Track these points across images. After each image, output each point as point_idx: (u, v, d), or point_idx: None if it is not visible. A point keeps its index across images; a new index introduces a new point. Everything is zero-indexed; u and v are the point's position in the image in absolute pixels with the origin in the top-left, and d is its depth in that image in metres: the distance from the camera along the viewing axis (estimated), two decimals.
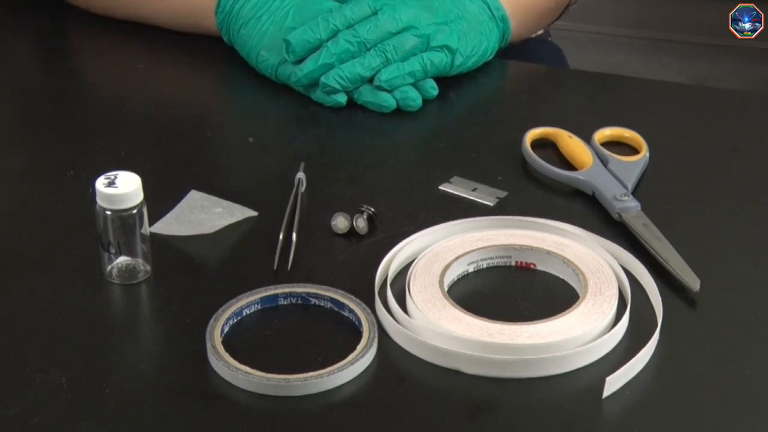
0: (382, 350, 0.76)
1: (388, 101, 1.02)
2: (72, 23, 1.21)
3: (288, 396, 0.72)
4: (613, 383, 0.72)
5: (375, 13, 1.03)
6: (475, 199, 0.91)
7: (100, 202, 0.79)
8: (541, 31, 1.37)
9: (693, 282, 0.80)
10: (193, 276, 0.83)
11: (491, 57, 1.10)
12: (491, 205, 0.90)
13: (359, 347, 0.75)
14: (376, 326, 0.76)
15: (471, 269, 0.83)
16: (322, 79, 1.02)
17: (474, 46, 1.07)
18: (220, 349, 0.74)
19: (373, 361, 0.75)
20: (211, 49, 1.13)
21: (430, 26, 1.03)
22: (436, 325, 0.76)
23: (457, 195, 0.91)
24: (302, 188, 0.90)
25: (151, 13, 1.15)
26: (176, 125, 1.03)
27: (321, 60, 1.01)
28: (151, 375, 0.75)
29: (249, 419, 0.71)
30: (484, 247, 0.83)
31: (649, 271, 0.81)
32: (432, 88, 1.04)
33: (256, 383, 0.72)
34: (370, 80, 1.02)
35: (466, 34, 1.06)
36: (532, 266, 0.84)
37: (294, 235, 0.85)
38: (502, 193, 0.91)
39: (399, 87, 1.03)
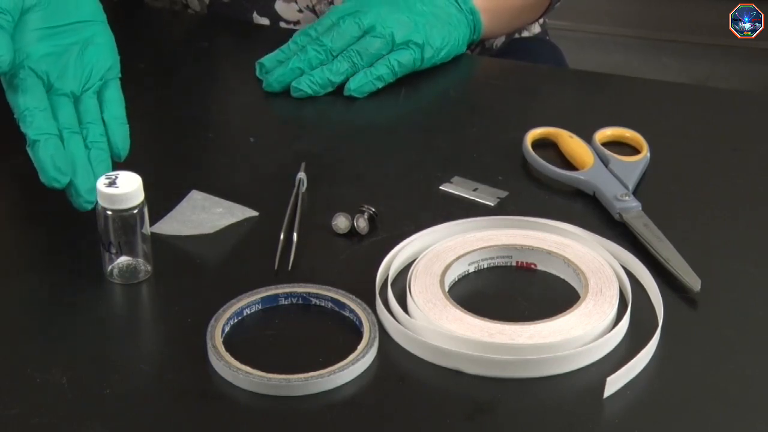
0: (383, 350, 0.76)
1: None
2: None
3: (288, 396, 0.72)
4: (614, 383, 0.72)
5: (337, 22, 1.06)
6: (476, 199, 0.91)
7: (101, 202, 0.79)
8: (538, 30, 1.37)
9: (694, 282, 0.80)
10: (193, 276, 0.83)
11: (463, 49, 1.11)
12: (492, 205, 0.90)
13: (360, 347, 0.75)
14: (376, 326, 0.76)
15: (472, 269, 0.83)
16: (293, 83, 1.05)
17: (444, 37, 1.08)
18: (221, 349, 0.74)
19: (373, 361, 0.75)
20: (212, 49, 1.12)
21: (393, 23, 1.06)
22: (436, 325, 0.76)
23: (458, 195, 0.91)
24: (303, 188, 0.90)
25: None
26: (177, 125, 1.03)
27: (291, 64, 1.05)
28: (152, 375, 0.75)
29: (249, 419, 0.71)
30: (484, 247, 0.83)
31: (650, 271, 0.81)
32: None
33: (257, 383, 0.72)
34: (341, 86, 1.06)
35: (434, 26, 1.07)
36: (532, 266, 0.84)
37: (295, 235, 0.85)
38: (503, 193, 0.91)
39: (368, 92, 1.05)
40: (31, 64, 0.86)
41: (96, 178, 0.83)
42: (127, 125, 0.90)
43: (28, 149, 0.85)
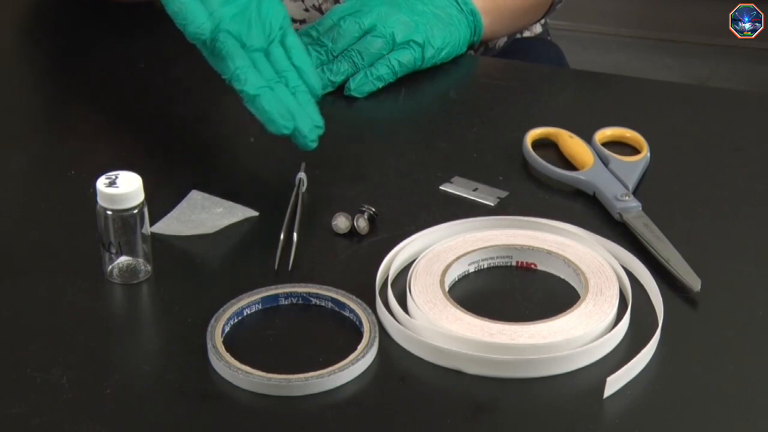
0: (383, 350, 0.76)
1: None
2: (73, 22, 1.21)
3: (289, 396, 0.72)
4: (614, 383, 0.72)
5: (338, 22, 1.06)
6: (476, 199, 0.91)
7: (101, 202, 0.79)
8: (539, 30, 1.37)
9: (694, 282, 0.80)
10: (194, 276, 0.83)
11: (464, 50, 1.11)
12: (492, 205, 0.90)
13: (360, 347, 0.75)
14: (377, 326, 0.76)
15: (472, 269, 0.83)
16: None
17: (444, 37, 1.08)
18: (221, 348, 0.74)
19: (374, 361, 0.75)
20: None
21: (393, 23, 1.06)
22: (436, 325, 0.76)
23: (458, 195, 0.91)
24: (303, 188, 0.90)
25: None
26: (177, 125, 1.03)
27: None
28: (152, 375, 0.75)
29: (250, 419, 0.71)
30: (484, 247, 0.83)
31: (650, 271, 0.81)
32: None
33: (257, 383, 0.72)
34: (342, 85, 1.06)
35: (434, 26, 1.07)
36: (532, 266, 0.84)
37: (295, 235, 0.85)
38: (503, 193, 0.91)
39: (368, 92, 1.05)
40: (226, 27, 0.91)
41: (310, 118, 0.91)
42: (314, 65, 0.96)
43: (248, 104, 0.90)
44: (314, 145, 0.91)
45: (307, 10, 1.19)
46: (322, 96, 0.95)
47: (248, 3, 0.93)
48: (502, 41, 1.29)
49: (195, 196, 0.90)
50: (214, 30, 0.90)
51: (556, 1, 1.24)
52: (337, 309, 0.79)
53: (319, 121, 0.92)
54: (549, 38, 1.40)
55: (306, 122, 0.90)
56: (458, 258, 0.82)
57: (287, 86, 0.92)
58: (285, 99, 0.90)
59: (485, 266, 0.84)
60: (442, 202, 0.91)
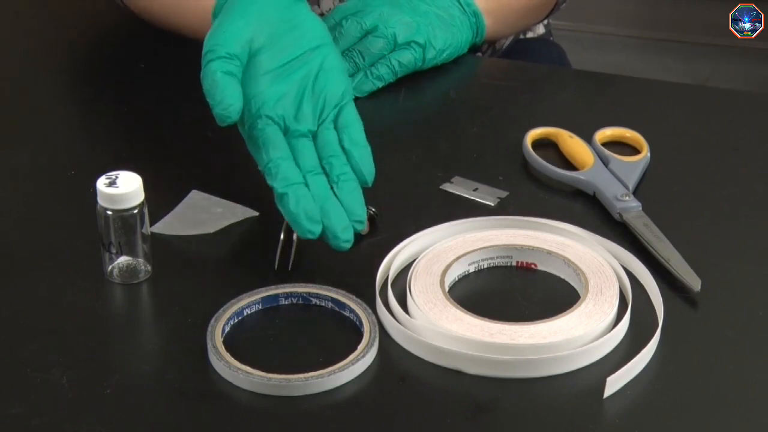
0: (383, 350, 0.76)
1: None
2: (73, 22, 1.21)
3: (289, 396, 0.72)
4: (614, 383, 0.72)
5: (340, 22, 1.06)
6: (476, 199, 0.91)
7: (101, 202, 0.79)
8: (542, 31, 1.37)
9: (694, 282, 0.80)
10: (194, 276, 0.83)
11: (465, 50, 1.11)
12: (492, 205, 0.90)
13: (360, 347, 0.75)
14: (377, 326, 0.76)
15: (472, 269, 0.83)
16: None
17: (446, 38, 1.08)
18: (221, 348, 0.74)
19: (374, 361, 0.75)
20: None
21: (395, 24, 1.05)
22: (437, 325, 0.76)
23: (458, 195, 0.91)
24: None
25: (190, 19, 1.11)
26: (177, 125, 1.03)
27: None
28: (152, 375, 0.75)
29: (250, 419, 0.71)
30: (485, 247, 0.83)
31: (650, 271, 0.81)
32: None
33: (257, 383, 0.72)
34: None
35: (436, 27, 1.07)
36: (533, 266, 0.84)
37: (295, 234, 0.84)
38: (503, 193, 0.91)
39: (368, 92, 1.05)
40: (267, 112, 0.83)
41: (349, 213, 0.81)
42: (369, 147, 0.85)
43: (277, 202, 0.81)
44: (348, 245, 0.80)
45: (323, 14, 1.19)
46: (372, 182, 0.84)
47: (302, 79, 0.85)
48: (506, 42, 1.29)
49: (195, 196, 0.90)
50: (252, 113, 0.82)
51: (560, 1, 1.24)
52: (337, 309, 0.79)
53: (361, 215, 0.81)
54: (551, 39, 1.40)
55: (340, 221, 0.80)
56: (458, 258, 0.82)
57: (330, 174, 0.82)
58: (320, 195, 0.81)
59: (485, 266, 0.84)
60: (442, 202, 0.91)
